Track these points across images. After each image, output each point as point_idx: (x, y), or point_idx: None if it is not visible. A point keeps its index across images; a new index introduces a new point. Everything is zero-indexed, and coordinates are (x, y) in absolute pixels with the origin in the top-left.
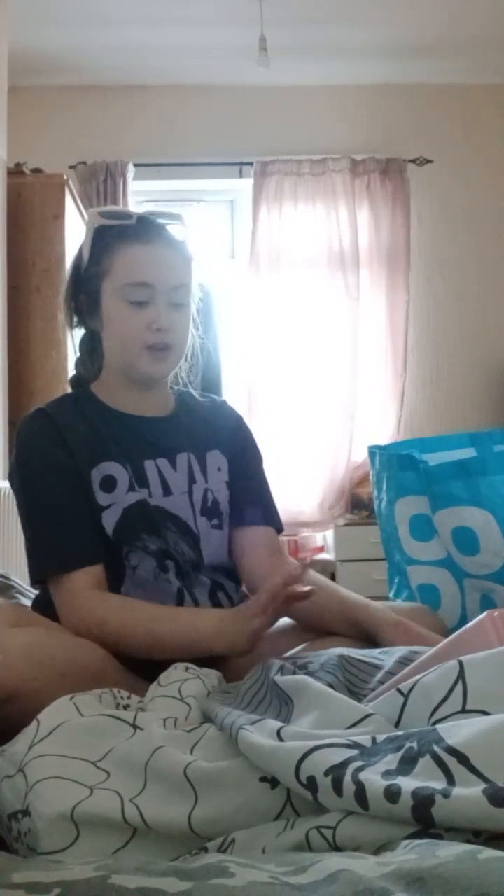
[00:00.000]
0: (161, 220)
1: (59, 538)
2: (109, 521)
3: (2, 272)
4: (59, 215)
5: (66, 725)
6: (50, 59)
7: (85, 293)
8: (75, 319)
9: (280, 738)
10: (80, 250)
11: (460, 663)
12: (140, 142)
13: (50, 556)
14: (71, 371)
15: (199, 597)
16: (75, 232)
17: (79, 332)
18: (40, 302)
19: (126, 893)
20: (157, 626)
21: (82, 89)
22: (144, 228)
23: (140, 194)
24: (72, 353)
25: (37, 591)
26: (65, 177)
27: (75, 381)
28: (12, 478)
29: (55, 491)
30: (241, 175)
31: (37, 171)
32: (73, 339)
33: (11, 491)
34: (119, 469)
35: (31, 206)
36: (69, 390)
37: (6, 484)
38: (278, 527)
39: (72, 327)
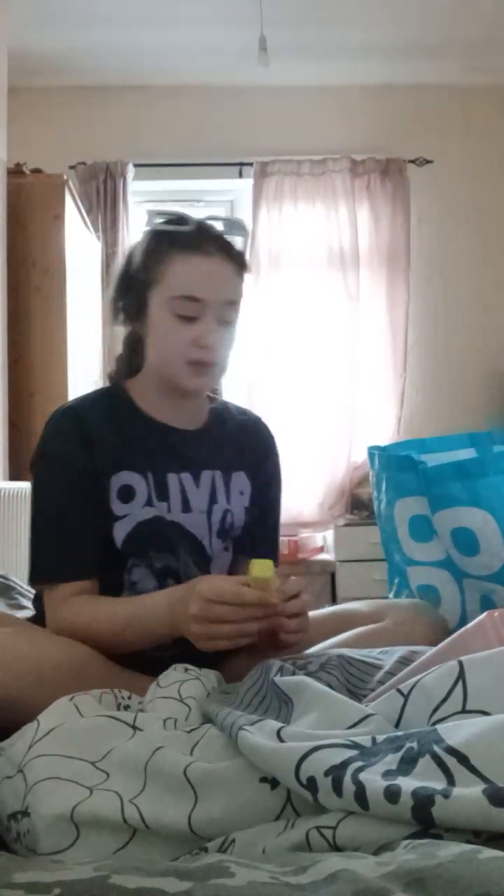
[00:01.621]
0: (220, 230)
1: (58, 550)
2: (120, 532)
3: (2, 272)
4: (59, 215)
5: (66, 726)
6: (50, 59)
7: (132, 297)
8: (121, 317)
9: (280, 739)
10: (132, 251)
11: (460, 663)
12: (140, 142)
13: (47, 565)
14: (70, 371)
15: None
16: (75, 232)
17: (121, 330)
18: (40, 302)
19: (126, 893)
20: (117, 620)
21: (82, 89)
22: (201, 238)
23: (140, 194)
24: (71, 352)
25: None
26: (65, 177)
27: (113, 375)
28: (32, 468)
29: (65, 499)
30: (240, 175)
31: (37, 171)
32: (112, 334)
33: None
34: (139, 480)
35: (31, 207)
36: (102, 385)
37: (6, 485)
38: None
39: (115, 324)
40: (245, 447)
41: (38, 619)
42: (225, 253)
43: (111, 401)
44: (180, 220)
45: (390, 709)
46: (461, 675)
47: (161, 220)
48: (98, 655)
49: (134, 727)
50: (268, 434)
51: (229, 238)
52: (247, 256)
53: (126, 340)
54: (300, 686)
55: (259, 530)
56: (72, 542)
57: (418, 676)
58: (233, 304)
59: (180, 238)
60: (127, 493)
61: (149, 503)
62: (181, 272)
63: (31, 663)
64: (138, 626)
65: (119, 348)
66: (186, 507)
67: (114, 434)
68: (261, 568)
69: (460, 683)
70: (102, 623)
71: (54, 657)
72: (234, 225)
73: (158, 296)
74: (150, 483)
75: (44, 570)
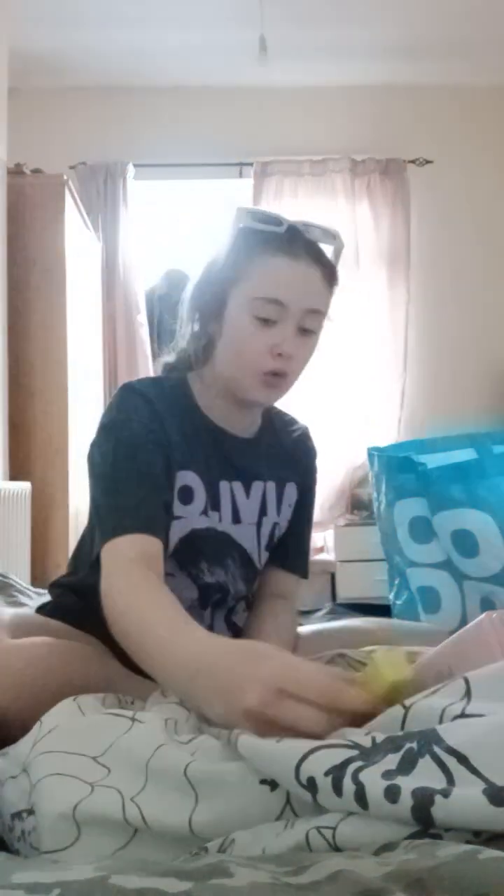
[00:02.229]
0: (313, 236)
1: (123, 501)
2: (176, 533)
3: (2, 272)
4: (59, 216)
5: (68, 723)
6: (50, 59)
7: (213, 294)
8: (196, 316)
9: (279, 740)
10: (215, 256)
11: (466, 681)
12: (140, 142)
13: (110, 520)
14: (70, 371)
15: (216, 621)
16: (75, 232)
17: (192, 327)
18: (40, 302)
19: (126, 893)
20: (147, 639)
21: (82, 90)
22: (292, 240)
23: (140, 195)
24: (71, 351)
25: (37, 589)
26: (65, 177)
27: (171, 367)
28: (97, 442)
29: (136, 453)
30: (241, 175)
31: (37, 171)
32: (182, 334)
33: (90, 457)
34: (199, 484)
35: (31, 207)
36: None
37: (6, 485)
38: (305, 576)
39: (190, 324)
40: (296, 459)
41: (44, 608)
42: (314, 259)
43: (175, 393)
44: (273, 220)
45: (389, 719)
46: (467, 694)
47: (251, 218)
48: (119, 667)
49: (133, 719)
50: (313, 445)
51: (322, 246)
52: (337, 269)
53: (194, 336)
54: None
55: (294, 542)
56: (139, 491)
57: (422, 695)
58: (317, 313)
59: (271, 238)
60: (186, 495)
61: (204, 512)
62: (266, 273)
63: (56, 683)
64: (155, 657)
65: (191, 348)
66: (237, 517)
67: (181, 430)
68: (394, 666)
69: (465, 700)
70: (129, 625)
71: (80, 672)
72: (329, 233)
73: (239, 295)
74: (206, 490)
75: (114, 522)
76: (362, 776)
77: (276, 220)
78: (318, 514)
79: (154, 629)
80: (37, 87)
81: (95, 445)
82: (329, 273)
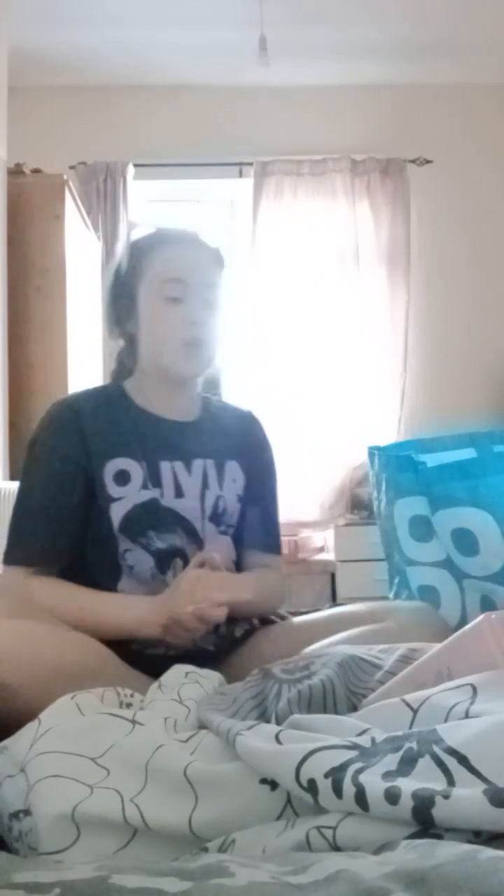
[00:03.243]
0: (192, 231)
1: (33, 534)
2: (118, 513)
3: (2, 272)
4: (59, 216)
5: (66, 723)
6: (50, 59)
7: (123, 297)
8: (115, 324)
9: (279, 742)
10: (118, 263)
11: (473, 687)
12: (140, 142)
13: (19, 547)
14: (71, 370)
15: None
16: (75, 232)
17: (117, 343)
18: (40, 301)
19: (126, 893)
20: (86, 615)
21: (82, 89)
22: (177, 233)
23: (140, 194)
24: (72, 351)
25: None
26: (65, 177)
27: (112, 376)
28: (27, 453)
29: (46, 486)
30: (241, 175)
31: (36, 171)
32: (114, 348)
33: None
34: (134, 466)
35: (31, 207)
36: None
37: (6, 485)
38: (277, 552)
39: (112, 337)
40: (236, 437)
41: None
42: (201, 243)
43: (107, 395)
44: (158, 225)
45: (399, 723)
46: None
47: (139, 229)
48: (113, 656)
49: (133, 721)
50: (259, 426)
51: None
52: (220, 252)
53: (121, 350)
54: (294, 723)
55: (259, 522)
56: (47, 528)
57: (428, 692)
58: (215, 287)
59: (161, 235)
60: (123, 478)
61: (144, 487)
62: (167, 258)
63: (49, 659)
64: (92, 621)
65: (114, 362)
66: (179, 493)
67: (108, 425)
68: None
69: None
70: (63, 607)
71: (74, 658)
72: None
73: (146, 284)
74: (145, 470)
75: (15, 552)
76: (362, 778)
77: (159, 225)
78: (318, 513)
79: (98, 612)
80: (37, 86)
81: (26, 456)
82: (215, 254)
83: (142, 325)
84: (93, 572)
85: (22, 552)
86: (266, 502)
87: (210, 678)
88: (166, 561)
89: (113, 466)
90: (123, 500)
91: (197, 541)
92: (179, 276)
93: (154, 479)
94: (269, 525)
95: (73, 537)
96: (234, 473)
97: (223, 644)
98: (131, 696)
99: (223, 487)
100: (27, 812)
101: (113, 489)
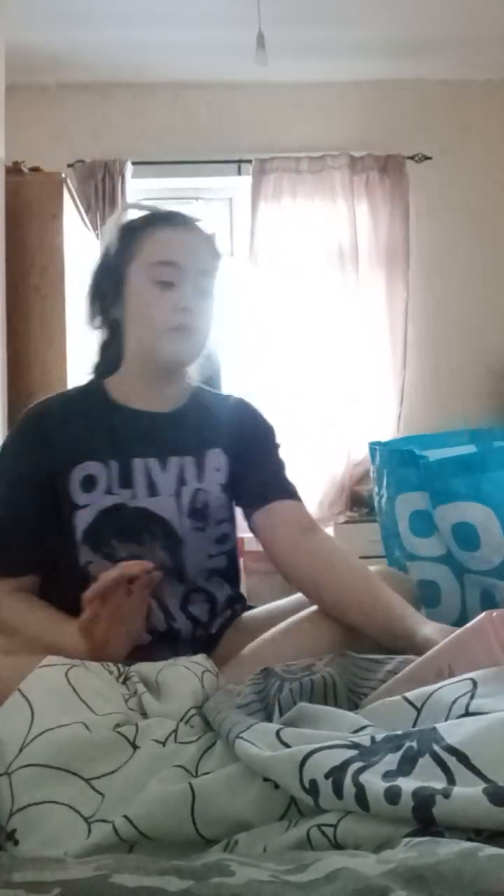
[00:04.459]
0: (187, 215)
1: (8, 548)
2: (82, 521)
3: (1, 272)
4: (57, 214)
5: (61, 733)
6: (47, 57)
7: (110, 280)
8: (98, 318)
9: (279, 739)
10: (107, 245)
11: (473, 682)
12: (138, 140)
13: None
14: (70, 370)
15: (171, 605)
16: (74, 230)
17: (99, 333)
18: (39, 301)
19: (126, 893)
20: (41, 637)
21: (80, 87)
22: (172, 215)
23: (138, 192)
24: (71, 352)
25: None
26: (63, 175)
27: (94, 371)
28: None
29: (10, 496)
30: (239, 173)
31: (35, 169)
32: (96, 339)
33: None
34: (100, 469)
35: (29, 205)
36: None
37: None
38: (299, 499)
39: (93, 326)
40: (221, 423)
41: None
42: (196, 228)
43: (84, 394)
44: (152, 206)
45: (402, 723)
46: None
47: (132, 209)
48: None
49: (134, 745)
50: (251, 411)
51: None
52: (215, 240)
53: (103, 341)
54: (301, 712)
55: (266, 475)
56: (13, 539)
57: (430, 689)
58: (208, 274)
59: (154, 216)
60: (89, 483)
61: (109, 491)
62: (158, 240)
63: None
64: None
65: (96, 355)
66: (153, 491)
67: (78, 427)
68: None
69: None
70: (24, 627)
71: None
72: (196, 218)
73: (137, 266)
74: (113, 471)
75: None
76: (363, 778)
77: (155, 206)
78: (317, 511)
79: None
80: (34, 84)
81: None
82: (210, 241)
83: (128, 309)
84: (63, 583)
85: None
86: (269, 461)
87: (198, 661)
88: None
89: (80, 472)
90: (89, 508)
91: (175, 540)
92: (172, 258)
93: (125, 479)
94: (282, 475)
95: (42, 548)
96: (217, 462)
97: (198, 632)
98: (122, 668)
99: (204, 480)
100: (13, 839)
101: (78, 496)
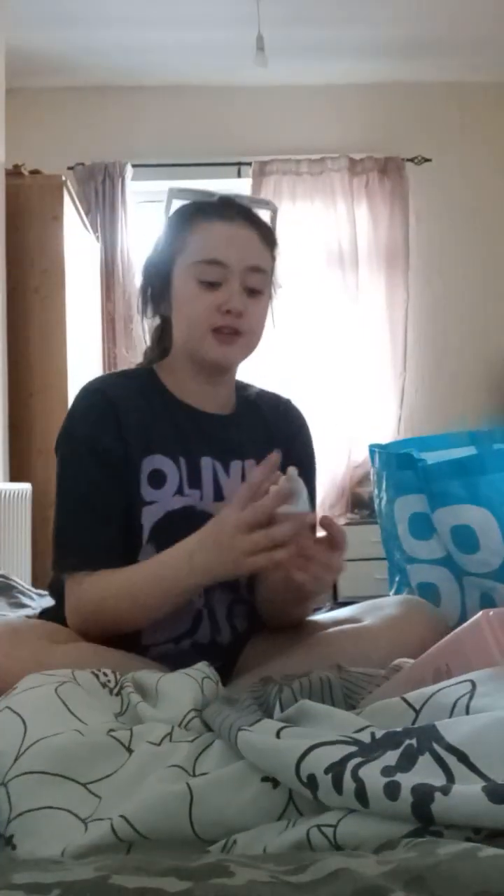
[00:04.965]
0: (244, 202)
1: (82, 537)
2: (149, 519)
3: (1, 273)
4: (57, 216)
5: (55, 740)
6: (47, 59)
7: (158, 274)
8: (149, 304)
9: (279, 738)
10: (157, 236)
11: (472, 683)
12: (138, 142)
13: (70, 553)
14: (70, 370)
15: (219, 615)
16: (74, 233)
17: (151, 322)
18: (39, 302)
19: (126, 893)
20: (133, 585)
21: (80, 90)
22: (225, 205)
23: (138, 195)
24: (71, 351)
25: (38, 590)
26: (63, 178)
27: (144, 357)
28: (57, 449)
29: (93, 481)
30: (239, 175)
31: (35, 172)
32: (144, 329)
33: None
34: (171, 465)
35: (29, 208)
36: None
37: (6, 485)
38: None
39: (143, 316)
40: (276, 429)
41: (54, 611)
42: (249, 221)
43: (140, 382)
44: (204, 193)
45: (401, 722)
46: (471, 696)
47: (182, 196)
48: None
49: (129, 749)
50: (297, 414)
51: (255, 210)
52: (274, 232)
53: (154, 330)
54: (302, 708)
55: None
56: (97, 530)
57: (429, 690)
58: (259, 271)
59: (203, 207)
60: (158, 479)
61: (179, 492)
62: (203, 237)
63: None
64: (157, 587)
65: (148, 340)
66: (219, 495)
67: (144, 416)
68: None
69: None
70: (119, 595)
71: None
72: (260, 201)
73: (181, 264)
74: (183, 469)
75: (66, 559)
76: (362, 773)
77: (208, 193)
78: (318, 512)
79: (136, 579)
80: (35, 87)
81: (58, 448)
82: (266, 234)
83: (175, 307)
84: None
85: (72, 560)
86: (312, 472)
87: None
88: None
89: (149, 464)
90: (155, 506)
91: None
92: (218, 257)
93: (193, 478)
94: (313, 492)
95: (121, 539)
96: None
97: (233, 638)
98: (107, 674)
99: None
100: (11, 844)
101: (146, 491)
